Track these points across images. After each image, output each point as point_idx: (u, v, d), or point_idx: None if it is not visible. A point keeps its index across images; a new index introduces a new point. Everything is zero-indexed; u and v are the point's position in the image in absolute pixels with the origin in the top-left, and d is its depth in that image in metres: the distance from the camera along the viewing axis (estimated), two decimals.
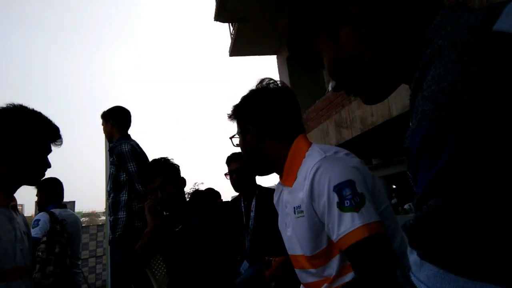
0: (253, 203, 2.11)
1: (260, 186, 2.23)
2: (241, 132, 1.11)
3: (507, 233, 0.29)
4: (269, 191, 2.09)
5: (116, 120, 2.56)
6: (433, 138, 0.34)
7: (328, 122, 6.21)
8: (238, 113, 1.13)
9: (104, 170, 2.95)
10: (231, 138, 1.18)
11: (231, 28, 8.80)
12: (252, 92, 1.11)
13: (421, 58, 0.41)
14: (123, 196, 2.38)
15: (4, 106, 1.17)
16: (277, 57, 9.50)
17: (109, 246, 2.83)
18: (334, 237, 0.86)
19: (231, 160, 2.23)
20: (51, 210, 2.43)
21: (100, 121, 2.64)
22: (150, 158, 2.11)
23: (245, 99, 1.12)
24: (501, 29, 0.33)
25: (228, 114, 1.16)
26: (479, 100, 0.31)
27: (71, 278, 2.34)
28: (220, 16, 7.79)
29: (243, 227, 2.11)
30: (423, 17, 0.46)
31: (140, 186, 2.34)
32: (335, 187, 0.86)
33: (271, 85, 1.11)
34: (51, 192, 2.58)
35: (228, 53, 9.22)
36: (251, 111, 1.08)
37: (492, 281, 0.29)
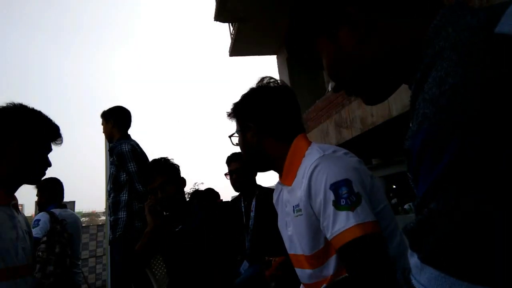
0: (253, 203, 2.11)
1: (260, 186, 2.23)
2: (241, 130, 1.11)
3: (507, 236, 0.29)
4: (269, 191, 2.09)
5: (117, 120, 2.56)
6: (434, 141, 0.33)
7: (328, 122, 6.21)
8: (238, 111, 1.12)
9: (104, 170, 2.95)
10: (230, 136, 1.18)
11: (231, 28, 8.80)
12: (252, 90, 1.11)
13: (422, 59, 0.41)
14: (123, 196, 2.38)
15: (4, 105, 1.17)
16: (277, 57, 9.50)
17: (109, 246, 2.83)
18: (329, 235, 0.86)
19: (231, 160, 2.23)
20: (51, 210, 2.43)
21: (100, 121, 2.64)
22: (150, 158, 2.12)
23: (245, 97, 1.11)
24: (503, 31, 0.33)
25: (227, 112, 1.15)
26: (480, 103, 0.31)
27: (71, 278, 2.34)
28: (220, 16, 7.79)
29: (243, 227, 2.11)
30: (423, 17, 0.46)
31: (140, 186, 2.34)
32: (331, 185, 0.86)
33: (272, 84, 1.11)
34: (51, 192, 2.58)
35: (228, 53, 9.22)
36: (251, 109, 1.08)
37: (492, 285, 0.29)
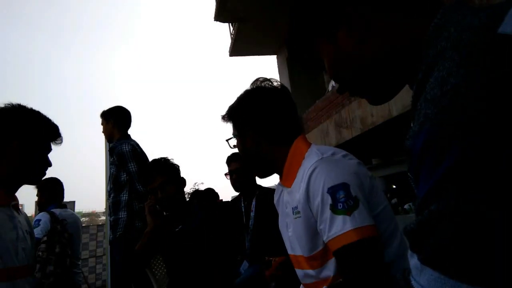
0: (253, 203, 2.11)
1: (260, 186, 2.23)
2: (239, 135, 1.10)
3: (507, 238, 0.29)
4: (269, 191, 2.09)
5: (117, 120, 2.56)
6: (436, 143, 0.33)
7: (328, 122, 6.20)
8: (234, 115, 1.11)
9: (104, 170, 2.95)
10: (227, 140, 1.16)
11: (231, 28, 8.80)
12: (247, 93, 1.09)
13: (424, 59, 0.40)
14: (123, 196, 2.38)
15: (3, 106, 1.17)
16: (277, 57, 9.50)
17: (109, 246, 2.83)
18: (325, 239, 0.87)
19: (231, 160, 2.23)
20: (52, 210, 2.43)
21: (100, 121, 2.64)
22: (150, 158, 2.12)
23: (240, 100, 1.10)
24: (506, 31, 0.33)
25: (222, 116, 1.13)
26: (482, 105, 0.31)
27: (71, 278, 2.34)
28: (220, 16, 7.79)
29: (243, 227, 2.11)
30: (422, 16, 0.46)
31: (140, 186, 2.34)
32: (329, 189, 0.86)
33: (267, 85, 1.09)
34: (51, 192, 2.58)
35: (228, 53, 9.22)
36: (248, 114, 1.07)
37: (492, 287, 0.29)
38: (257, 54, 9.70)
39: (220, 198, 3.27)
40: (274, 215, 1.18)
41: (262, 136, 1.05)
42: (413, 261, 0.36)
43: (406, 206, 8.04)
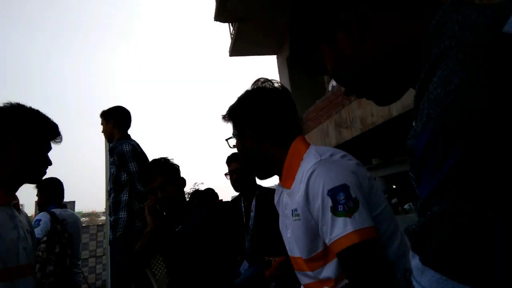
0: (253, 203, 2.11)
1: (260, 186, 2.23)
2: (239, 135, 1.10)
3: (508, 240, 0.29)
4: (269, 191, 2.09)
5: (117, 120, 2.56)
6: (438, 143, 0.33)
7: (328, 122, 6.20)
8: (234, 115, 1.11)
9: (104, 170, 2.95)
10: (227, 140, 1.16)
11: (231, 28, 8.80)
12: (248, 94, 1.10)
13: (427, 58, 0.40)
14: (124, 196, 2.38)
15: (2, 105, 1.17)
16: (277, 57, 9.50)
17: (109, 246, 2.83)
18: (327, 241, 0.87)
19: (231, 160, 2.23)
20: (52, 210, 2.43)
21: (100, 120, 2.64)
22: (150, 158, 2.12)
23: (241, 100, 1.10)
24: (511, 31, 0.32)
25: (222, 116, 1.14)
26: (486, 105, 0.30)
27: (71, 278, 2.34)
28: (220, 16, 7.79)
29: (243, 227, 2.11)
30: (422, 15, 0.45)
31: (141, 186, 2.34)
32: (329, 191, 0.86)
33: (267, 86, 1.10)
34: (51, 192, 2.58)
35: (228, 53, 9.22)
36: (248, 114, 1.07)
37: None
38: (257, 54, 9.70)
39: (220, 198, 3.27)
40: (274, 215, 1.18)
41: (261, 136, 1.05)
42: (415, 261, 0.36)
43: (406, 206, 8.04)
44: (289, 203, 1.02)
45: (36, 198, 2.62)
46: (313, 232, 0.92)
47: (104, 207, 3.13)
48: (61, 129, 1.29)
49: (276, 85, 1.11)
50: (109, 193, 2.49)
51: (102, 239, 7.16)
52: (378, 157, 8.31)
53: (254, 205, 2.10)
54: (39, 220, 2.26)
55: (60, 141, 1.29)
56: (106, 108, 2.63)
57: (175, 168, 1.79)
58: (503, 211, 0.29)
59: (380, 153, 7.88)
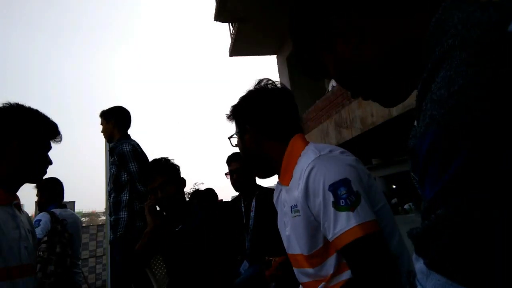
0: (253, 203, 2.11)
1: (260, 186, 2.23)
2: (239, 132, 1.12)
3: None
4: (269, 191, 2.09)
5: (118, 120, 2.56)
6: (443, 145, 0.32)
7: (328, 122, 6.21)
8: (236, 113, 1.13)
9: (104, 170, 2.95)
10: (229, 138, 1.18)
11: (231, 28, 8.80)
12: (250, 93, 1.12)
13: (429, 57, 0.39)
14: (124, 196, 2.38)
15: (1, 105, 1.17)
16: (277, 57, 9.50)
17: (109, 246, 2.83)
18: (330, 237, 0.86)
19: (232, 160, 2.23)
20: (52, 210, 2.43)
21: (99, 120, 2.64)
22: (150, 159, 2.12)
23: (243, 99, 1.13)
24: None
25: (226, 115, 1.16)
26: (490, 106, 0.30)
27: (72, 278, 2.34)
28: (220, 16, 7.79)
29: (243, 227, 2.11)
30: (420, 13, 0.45)
31: (141, 186, 2.34)
32: (330, 186, 0.86)
33: (269, 86, 1.12)
34: (51, 192, 2.58)
35: (228, 53, 9.22)
36: (249, 112, 1.09)
37: None
38: (257, 54, 9.70)
39: (220, 198, 3.27)
40: (274, 215, 1.18)
41: (260, 133, 1.06)
42: (419, 265, 0.36)
43: (406, 206, 8.04)
44: (287, 200, 1.02)
45: (36, 198, 2.62)
46: (313, 228, 0.92)
47: (104, 207, 3.12)
48: (61, 129, 1.29)
49: (278, 85, 1.13)
50: (109, 193, 2.49)
51: (102, 239, 7.16)
52: (378, 157, 8.31)
53: (254, 205, 2.10)
54: (39, 220, 2.26)
55: (60, 141, 1.29)
56: (106, 108, 2.63)
57: (175, 168, 1.79)
58: (509, 214, 0.28)
59: (380, 153, 7.88)
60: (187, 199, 2.02)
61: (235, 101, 1.15)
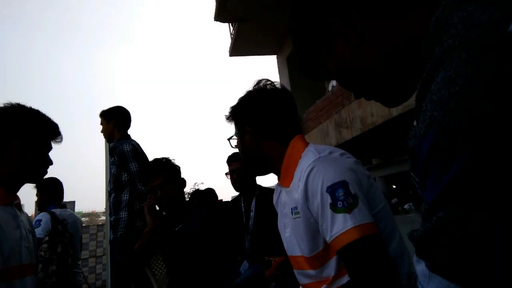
0: (253, 203, 2.11)
1: (260, 186, 2.23)
2: (239, 133, 1.12)
3: None
4: (269, 191, 2.09)
5: (118, 120, 2.56)
6: (443, 146, 0.32)
7: (328, 122, 6.21)
8: (236, 114, 1.13)
9: (104, 170, 2.95)
10: (229, 139, 1.18)
11: (231, 28, 8.80)
12: (249, 93, 1.12)
13: (429, 57, 0.38)
14: (124, 196, 2.38)
15: (2, 105, 1.17)
16: (277, 57, 9.50)
17: (109, 246, 2.83)
18: (328, 238, 0.87)
19: (232, 160, 2.23)
20: (52, 210, 2.43)
21: (99, 120, 2.63)
22: (150, 159, 2.12)
23: (242, 100, 1.12)
24: None
25: (225, 116, 1.16)
26: (491, 107, 0.30)
27: (73, 277, 2.35)
28: (220, 16, 7.79)
29: (243, 227, 2.11)
30: (419, 12, 0.45)
31: (141, 186, 2.35)
32: (328, 188, 0.86)
33: (268, 86, 1.11)
34: (51, 192, 2.58)
35: (228, 53, 9.22)
36: (248, 112, 1.09)
37: None
38: (257, 54, 9.70)
39: (220, 198, 3.27)
40: (274, 215, 1.18)
41: (260, 134, 1.06)
42: (420, 267, 0.36)
43: (406, 206, 8.05)
44: (287, 202, 1.02)
45: (36, 198, 2.62)
46: (313, 230, 0.92)
47: (104, 207, 3.13)
48: (61, 129, 1.30)
49: (277, 86, 1.13)
50: (109, 193, 2.49)
51: (102, 239, 7.16)
52: (378, 157, 8.31)
53: (254, 205, 2.10)
54: (39, 220, 2.26)
55: (61, 141, 1.29)
56: (106, 108, 2.63)
57: (176, 169, 1.79)
58: (510, 215, 0.28)
59: (380, 153, 7.88)
60: (187, 199, 2.02)
61: (234, 101, 1.15)
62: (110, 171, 2.50)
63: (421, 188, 0.37)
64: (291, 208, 0.99)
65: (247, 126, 1.08)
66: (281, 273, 1.34)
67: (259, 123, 1.06)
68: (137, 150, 2.44)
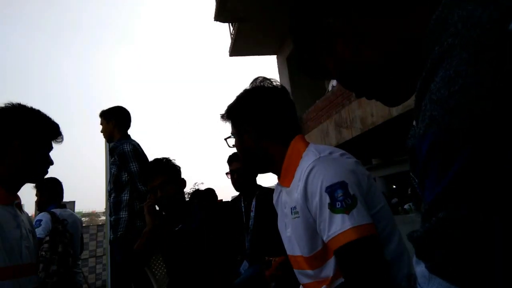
0: (253, 203, 2.11)
1: (260, 186, 2.23)
2: (237, 133, 1.11)
3: None
4: (269, 191, 2.09)
5: (118, 120, 2.56)
6: (443, 147, 0.32)
7: (328, 122, 6.21)
8: (233, 114, 1.12)
9: (104, 170, 2.95)
10: (226, 139, 1.17)
11: (231, 28, 8.80)
12: (246, 92, 1.11)
13: (429, 56, 0.38)
14: (124, 196, 2.38)
15: (3, 105, 1.17)
16: (277, 57, 9.50)
17: (109, 246, 2.83)
18: (325, 238, 0.87)
19: (233, 159, 2.23)
20: (52, 210, 2.43)
21: (99, 120, 2.64)
22: (150, 159, 2.12)
23: (239, 99, 1.11)
24: None
25: (221, 115, 1.14)
26: (491, 106, 0.29)
27: (73, 277, 2.35)
28: (220, 16, 7.79)
29: (243, 227, 2.11)
30: (419, 11, 0.45)
31: (142, 186, 2.35)
32: (327, 188, 0.86)
33: (265, 85, 1.10)
34: (51, 192, 2.58)
35: (228, 53, 9.22)
36: (247, 112, 1.08)
37: None
38: (257, 54, 9.70)
39: (220, 198, 3.28)
40: (274, 215, 1.18)
41: (260, 135, 1.05)
42: (420, 268, 0.35)
43: (406, 206, 8.05)
44: (288, 202, 1.02)
45: (36, 198, 2.62)
46: (312, 230, 0.92)
47: (104, 207, 3.13)
48: (62, 129, 1.30)
49: (274, 84, 1.12)
50: (109, 193, 2.49)
51: (102, 239, 7.17)
52: (378, 157, 8.31)
53: (254, 205, 2.10)
54: (40, 220, 2.26)
55: (61, 141, 1.29)
56: (106, 108, 2.63)
57: (176, 169, 1.80)
58: (511, 215, 0.28)
59: (380, 153, 7.88)
60: (187, 199, 2.02)
61: (230, 101, 1.13)
62: (110, 171, 2.50)
63: (420, 188, 0.37)
64: (291, 208, 0.99)
65: (246, 125, 1.07)
66: (281, 273, 1.35)
67: (258, 123, 1.06)
68: (137, 150, 2.44)
